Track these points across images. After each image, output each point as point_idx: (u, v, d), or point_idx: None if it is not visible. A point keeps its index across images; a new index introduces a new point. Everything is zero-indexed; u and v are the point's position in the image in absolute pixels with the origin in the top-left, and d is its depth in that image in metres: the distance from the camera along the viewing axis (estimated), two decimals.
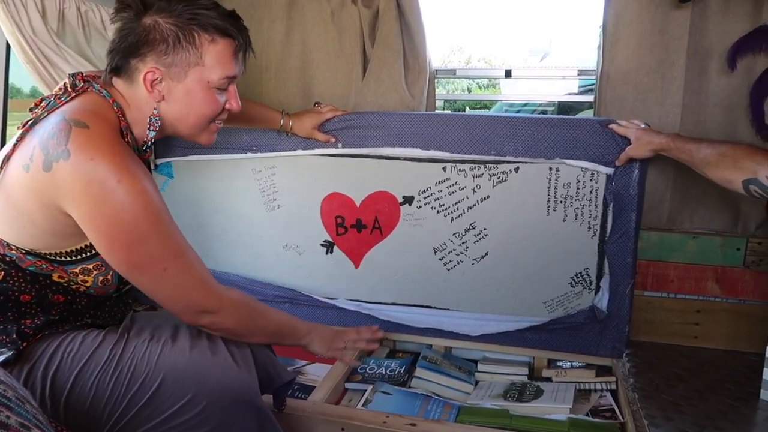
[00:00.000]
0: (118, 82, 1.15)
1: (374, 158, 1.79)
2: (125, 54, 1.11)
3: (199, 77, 1.13)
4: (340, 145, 1.79)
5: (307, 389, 1.56)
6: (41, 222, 1.03)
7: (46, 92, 1.53)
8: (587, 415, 1.48)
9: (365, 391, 1.57)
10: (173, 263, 1.08)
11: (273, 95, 2.02)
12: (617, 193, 1.62)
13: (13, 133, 1.41)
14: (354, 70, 1.95)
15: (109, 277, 1.13)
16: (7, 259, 1.05)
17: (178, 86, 1.13)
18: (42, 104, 1.10)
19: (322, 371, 1.67)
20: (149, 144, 1.19)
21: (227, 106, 1.21)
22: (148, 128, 1.16)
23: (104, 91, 1.12)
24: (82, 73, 1.15)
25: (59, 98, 1.10)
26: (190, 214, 1.96)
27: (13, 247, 1.05)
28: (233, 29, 1.15)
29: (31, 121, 1.07)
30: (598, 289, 1.71)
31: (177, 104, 1.15)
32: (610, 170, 1.62)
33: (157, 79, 1.11)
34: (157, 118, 1.15)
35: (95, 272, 1.11)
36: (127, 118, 1.14)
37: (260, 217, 1.92)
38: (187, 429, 1.07)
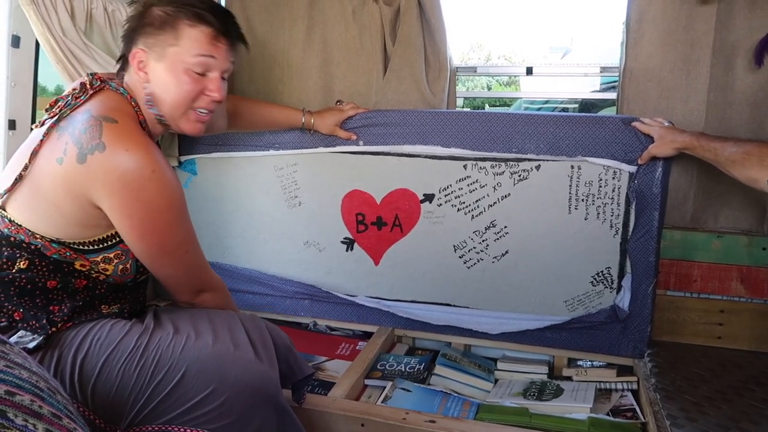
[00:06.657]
0: (129, 75, 1.23)
1: (395, 156, 1.79)
2: (125, 40, 1.22)
3: (175, 58, 1.19)
4: (361, 142, 1.80)
5: (327, 385, 1.57)
6: (68, 212, 1.10)
7: None
8: (608, 414, 1.47)
9: (385, 387, 1.58)
10: (192, 247, 1.22)
11: (294, 93, 2.03)
12: (640, 191, 1.60)
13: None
14: (375, 68, 1.96)
15: (128, 266, 1.19)
16: (32, 247, 1.11)
17: (158, 65, 1.20)
18: (59, 104, 1.17)
19: (341, 368, 1.68)
20: (159, 138, 1.30)
21: (207, 92, 1.24)
22: (150, 108, 1.22)
23: (121, 89, 1.21)
24: (97, 74, 1.23)
25: (78, 97, 1.16)
26: (212, 210, 1.98)
27: (38, 236, 1.11)
28: (210, 15, 1.21)
29: (55, 118, 1.14)
30: (619, 288, 1.69)
31: (158, 85, 1.21)
32: (632, 168, 1.60)
33: (142, 60, 1.20)
34: (150, 97, 1.22)
35: (116, 261, 1.17)
36: (143, 113, 1.22)
37: (281, 214, 1.93)
38: (208, 420, 1.09)
